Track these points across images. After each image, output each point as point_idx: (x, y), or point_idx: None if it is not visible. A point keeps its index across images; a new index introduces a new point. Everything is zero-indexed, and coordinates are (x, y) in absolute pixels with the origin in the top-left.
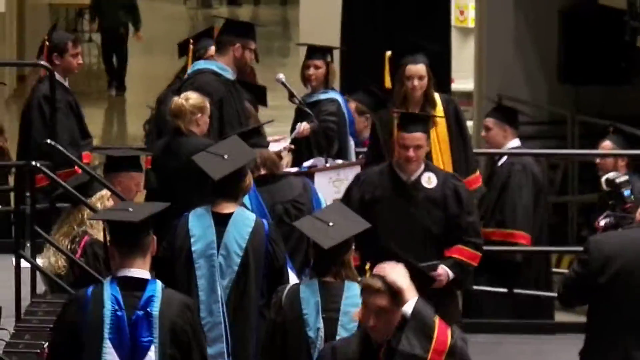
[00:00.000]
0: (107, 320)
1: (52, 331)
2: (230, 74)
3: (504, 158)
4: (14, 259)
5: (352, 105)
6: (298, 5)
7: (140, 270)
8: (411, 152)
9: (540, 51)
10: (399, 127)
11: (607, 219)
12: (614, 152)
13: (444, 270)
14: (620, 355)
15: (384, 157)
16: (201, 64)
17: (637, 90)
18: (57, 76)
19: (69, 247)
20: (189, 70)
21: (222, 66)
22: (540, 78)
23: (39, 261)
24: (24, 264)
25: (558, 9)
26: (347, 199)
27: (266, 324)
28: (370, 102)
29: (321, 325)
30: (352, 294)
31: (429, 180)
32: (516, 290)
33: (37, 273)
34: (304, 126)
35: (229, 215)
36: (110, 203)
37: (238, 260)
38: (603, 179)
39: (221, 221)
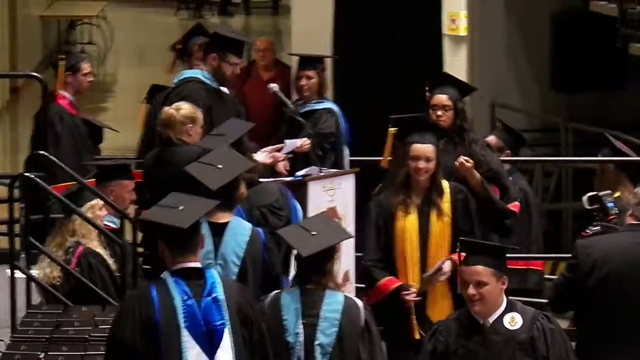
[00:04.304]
0: (180, 310)
1: (115, 330)
2: (216, 83)
3: None
4: (8, 270)
5: (492, 141)
6: (290, 15)
7: (194, 262)
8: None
9: (532, 59)
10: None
11: (595, 229)
12: (606, 159)
13: None
14: (608, 358)
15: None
16: (187, 73)
17: (630, 97)
18: None
19: (63, 257)
20: (175, 79)
21: (207, 75)
22: (533, 86)
23: (34, 272)
24: (18, 274)
25: (550, 17)
26: (421, 353)
27: None
28: (509, 140)
29: (300, 330)
30: (332, 301)
31: (513, 321)
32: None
33: (32, 284)
34: (302, 142)
35: (225, 224)
36: (101, 212)
37: (236, 270)
38: (585, 197)
39: (218, 231)
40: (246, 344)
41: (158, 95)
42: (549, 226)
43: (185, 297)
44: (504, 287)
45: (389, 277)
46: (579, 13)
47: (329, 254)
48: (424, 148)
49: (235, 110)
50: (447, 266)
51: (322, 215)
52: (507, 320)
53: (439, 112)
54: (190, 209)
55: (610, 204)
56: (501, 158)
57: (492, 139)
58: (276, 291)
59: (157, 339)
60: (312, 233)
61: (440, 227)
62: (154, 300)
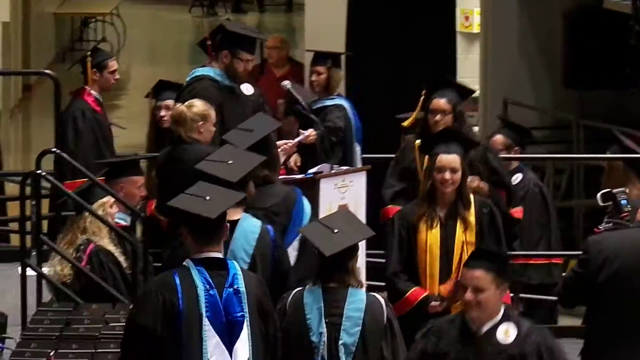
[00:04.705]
0: (203, 299)
1: (136, 315)
2: (228, 81)
3: None
4: (19, 268)
5: (498, 139)
6: (303, 11)
7: (218, 253)
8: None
9: (545, 56)
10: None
11: (607, 226)
12: (616, 156)
13: None
14: (617, 355)
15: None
16: (199, 71)
17: None
18: None
19: (74, 255)
20: (187, 78)
21: (219, 72)
22: (546, 83)
23: (45, 269)
24: (29, 272)
25: (563, 14)
26: (411, 349)
27: None
28: (515, 136)
29: (324, 330)
30: (355, 299)
31: (506, 333)
32: (521, 295)
33: (43, 281)
34: (310, 132)
35: (235, 222)
36: (112, 210)
37: (245, 267)
38: (599, 194)
39: None
40: (262, 336)
41: (165, 93)
42: (560, 223)
43: (207, 287)
44: (504, 294)
45: (415, 287)
46: (592, 10)
47: (352, 251)
48: (450, 158)
49: (261, 108)
50: None
51: (344, 212)
52: (501, 331)
53: (438, 117)
54: (218, 200)
55: (624, 202)
56: (513, 156)
57: (498, 137)
58: (298, 289)
59: (178, 326)
60: (335, 231)
61: (465, 241)
62: (178, 287)
